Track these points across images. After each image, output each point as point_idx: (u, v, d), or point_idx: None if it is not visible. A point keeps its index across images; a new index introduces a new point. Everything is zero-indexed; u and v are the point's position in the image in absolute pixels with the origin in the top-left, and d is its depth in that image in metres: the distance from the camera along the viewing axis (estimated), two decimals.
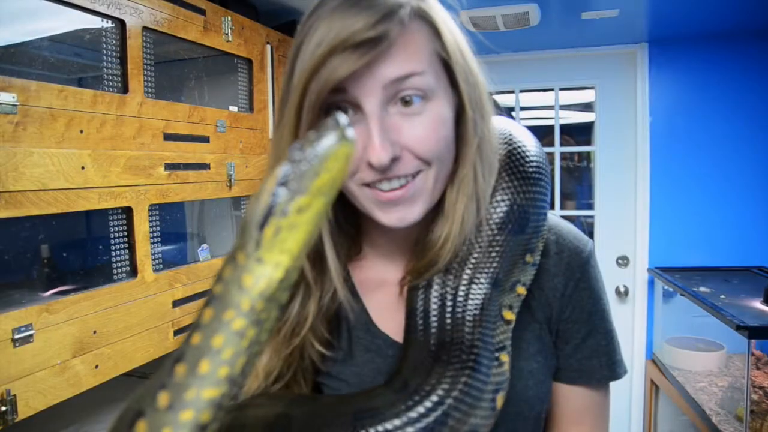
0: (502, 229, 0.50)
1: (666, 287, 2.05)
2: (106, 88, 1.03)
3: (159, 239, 1.15)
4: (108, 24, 1.03)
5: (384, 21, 0.42)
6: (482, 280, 0.49)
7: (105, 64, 1.03)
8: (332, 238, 0.52)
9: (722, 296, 1.68)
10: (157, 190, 1.12)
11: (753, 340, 1.39)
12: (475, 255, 0.50)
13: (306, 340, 0.52)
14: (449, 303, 0.49)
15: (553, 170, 2.41)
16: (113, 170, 1.01)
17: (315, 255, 0.52)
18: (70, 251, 1.14)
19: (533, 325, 0.54)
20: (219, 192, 1.32)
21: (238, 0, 1.43)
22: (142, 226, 1.08)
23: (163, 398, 0.30)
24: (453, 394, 0.44)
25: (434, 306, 0.49)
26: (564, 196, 2.47)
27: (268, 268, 0.30)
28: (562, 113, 2.44)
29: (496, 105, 0.56)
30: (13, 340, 0.82)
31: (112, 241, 1.05)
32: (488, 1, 1.66)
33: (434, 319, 0.49)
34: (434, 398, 0.44)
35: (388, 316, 0.54)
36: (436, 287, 0.50)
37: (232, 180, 1.35)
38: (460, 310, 0.48)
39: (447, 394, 0.44)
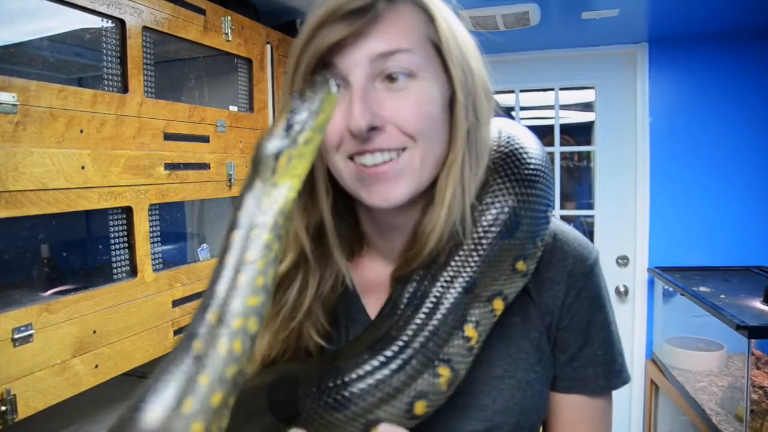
0: (489, 232, 0.48)
1: (666, 287, 2.05)
2: (106, 88, 1.03)
3: (159, 239, 1.15)
4: (108, 24, 1.03)
5: None
6: (456, 286, 0.47)
7: (105, 64, 1.03)
8: (336, 228, 0.52)
9: (722, 296, 1.68)
10: (157, 190, 1.12)
11: (753, 340, 1.40)
12: (458, 257, 0.48)
13: (304, 331, 0.52)
14: (415, 302, 0.47)
15: (552, 170, 2.40)
16: (113, 170, 1.01)
17: (317, 240, 0.52)
18: (70, 251, 1.14)
19: (533, 334, 0.53)
20: (219, 192, 1.32)
21: (238, 0, 1.43)
22: (142, 225, 1.08)
23: (212, 316, 0.34)
24: (361, 385, 0.44)
25: (403, 302, 0.48)
26: (564, 196, 2.48)
27: (284, 190, 0.37)
28: (562, 113, 2.44)
29: (497, 104, 0.55)
30: (13, 340, 0.82)
31: (112, 241, 1.05)
32: (488, 0, 1.66)
33: (398, 314, 0.48)
34: (344, 381, 0.44)
35: None
36: (413, 284, 0.49)
37: (232, 180, 1.35)
38: (423, 312, 0.47)
39: (360, 380, 0.44)
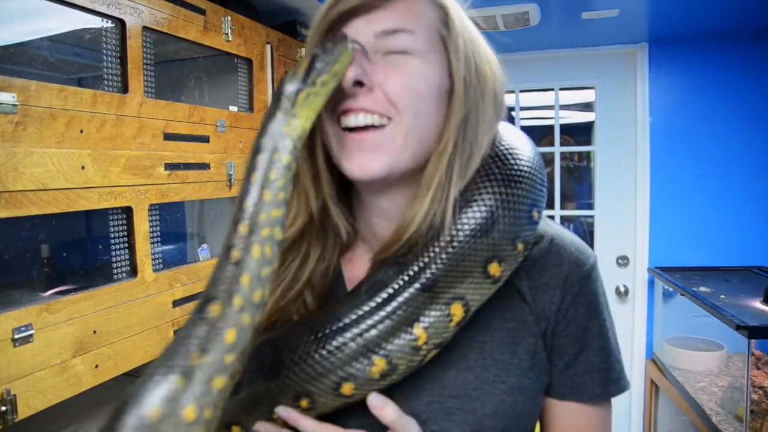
0: (462, 230, 0.47)
1: (666, 287, 2.05)
2: (106, 88, 1.03)
3: (159, 239, 1.15)
4: (108, 24, 1.03)
5: None
6: (415, 282, 0.46)
7: (105, 64, 1.03)
8: (336, 207, 0.55)
9: (722, 296, 1.68)
10: (157, 190, 1.12)
11: (753, 340, 1.39)
12: (427, 252, 0.47)
13: (299, 302, 0.54)
14: (373, 290, 0.47)
15: (553, 170, 2.41)
16: (113, 170, 1.01)
17: (320, 218, 0.55)
18: (70, 251, 1.14)
19: (528, 340, 0.52)
20: (219, 192, 1.32)
21: (238, 0, 1.43)
22: (142, 225, 1.08)
23: (243, 228, 0.40)
24: (292, 356, 0.47)
25: (365, 287, 0.48)
26: (564, 196, 2.47)
27: (301, 120, 0.43)
28: (562, 113, 2.44)
29: (508, 114, 0.56)
30: (13, 340, 0.82)
31: (112, 241, 1.05)
32: (488, 0, 1.66)
33: (354, 299, 0.48)
34: (282, 354, 0.47)
35: None
36: (381, 271, 0.49)
37: (232, 180, 1.35)
38: (375, 301, 0.47)
39: (290, 354, 0.47)
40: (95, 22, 1.00)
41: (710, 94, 2.13)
